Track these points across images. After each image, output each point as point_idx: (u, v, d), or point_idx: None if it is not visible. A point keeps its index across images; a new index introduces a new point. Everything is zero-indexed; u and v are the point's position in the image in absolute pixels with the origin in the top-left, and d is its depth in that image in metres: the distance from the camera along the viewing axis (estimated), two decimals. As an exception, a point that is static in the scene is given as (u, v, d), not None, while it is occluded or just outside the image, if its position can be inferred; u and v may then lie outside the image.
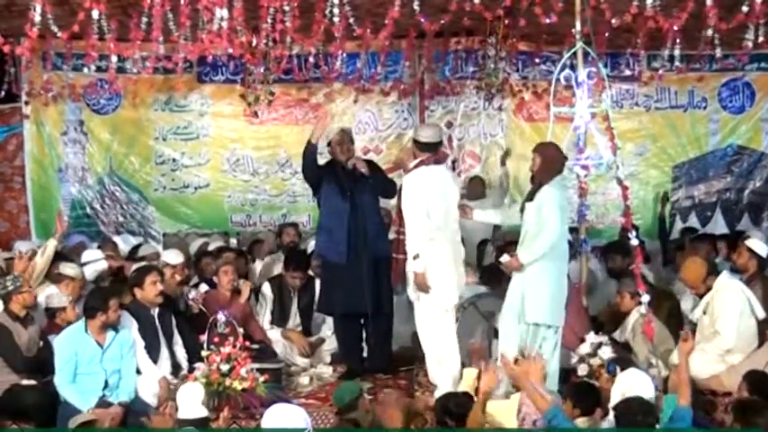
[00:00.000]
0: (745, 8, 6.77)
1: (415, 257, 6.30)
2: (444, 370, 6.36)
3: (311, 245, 8.22)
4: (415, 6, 6.40)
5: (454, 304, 6.47)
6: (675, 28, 6.79)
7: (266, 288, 7.61)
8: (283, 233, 8.78)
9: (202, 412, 5.10)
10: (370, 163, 7.24)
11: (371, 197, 7.04)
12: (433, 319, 6.40)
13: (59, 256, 7.24)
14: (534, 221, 6.00)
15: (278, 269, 7.91)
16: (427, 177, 6.41)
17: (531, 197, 6.10)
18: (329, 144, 7.13)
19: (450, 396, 5.27)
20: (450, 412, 4.99)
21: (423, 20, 6.59)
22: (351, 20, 6.73)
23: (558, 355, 6.10)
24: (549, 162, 6.11)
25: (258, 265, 8.58)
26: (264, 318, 7.51)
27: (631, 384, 5.10)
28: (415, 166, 6.50)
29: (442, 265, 6.35)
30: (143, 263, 6.95)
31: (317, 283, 7.59)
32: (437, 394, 6.04)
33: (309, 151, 7.02)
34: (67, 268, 6.88)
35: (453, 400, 5.13)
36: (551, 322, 6.04)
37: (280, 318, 7.56)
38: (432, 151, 6.51)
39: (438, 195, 6.38)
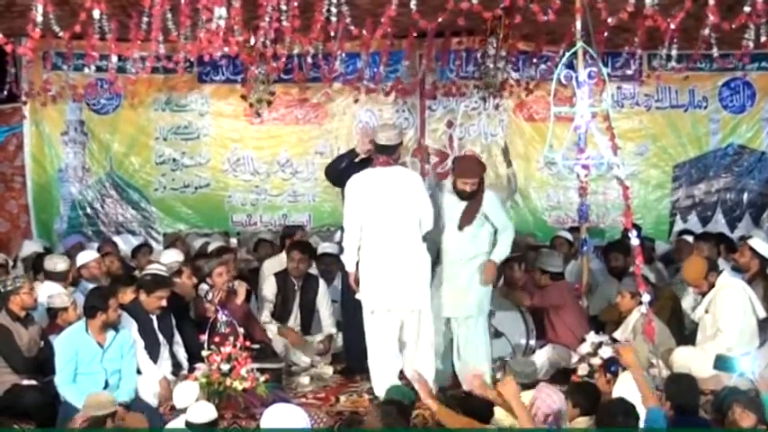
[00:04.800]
0: (747, 8, 6.76)
1: (340, 253, 6.43)
2: (375, 374, 6.33)
3: (323, 246, 8.24)
4: (413, 6, 6.38)
5: (385, 308, 6.29)
6: (672, 27, 6.77)
7: (268, 289, 7.58)
8: (294, 236, 8.68)
9: (212, 414, 5.08)
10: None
11: None
12: (366, 320, 6.37)
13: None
14: None
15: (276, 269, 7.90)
16: (369, 180, 6.32)
17: None
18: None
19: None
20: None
21: (419, 19, 6.57)
22: (349, 20, 6.72)
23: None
24: None
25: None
26: (263, 316, 7.47)
27: (632, 384, 5.10)
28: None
29: (372, 266, 6.27)
30: (158, 269, 6.79)
31: (321, 282, 7.60)
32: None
33: (349, 158, 6.98)
34: (59, 264, 6.94)
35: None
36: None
37: (282, 314, 7.55)
38: (388, 153, 6.34)
39: (377, 198, 6.25)
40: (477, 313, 6.49)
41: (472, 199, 6.40)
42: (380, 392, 6.11)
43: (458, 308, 6.48)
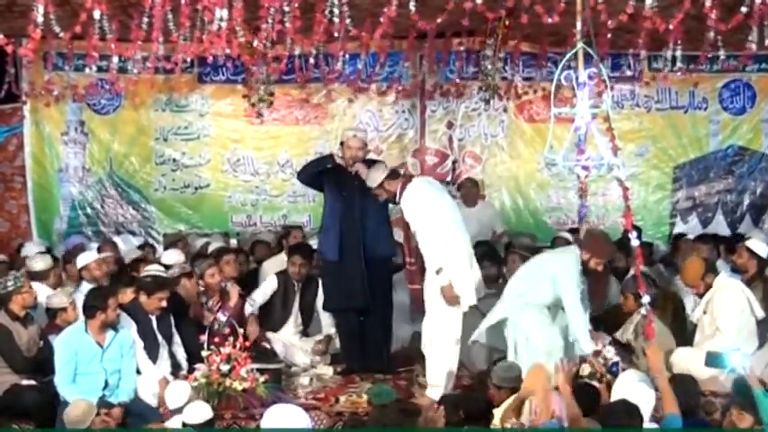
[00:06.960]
0: (744, 8, 6.75)
1: (437, 272, 6.23)
2: (445, 369, 6.37)
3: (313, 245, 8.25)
4: (411, 6, 6.39)
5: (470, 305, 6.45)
6: (671, 28, 6.76)
7: (267, 286, 7.56)
8: (290, 236, 8.70)
9: (208, 414, 5.09)
10: (376, 165, 7.30)
11: (372, 199, 7.06)
12: (448, 320, 6.36)
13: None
14: None
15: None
16: (425, 185, 6.55)
17: None
18: (342, 144, 7.25)
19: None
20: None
21: (418, 20, 6.58)
22: (350, 20, 6.72)
23: None
24: None
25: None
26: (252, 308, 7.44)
27: (630, 385, 5.10)
28: (407, 180, 6.60)
29: (460, 268, 6.33)
30: (158, 269, 6.76)
31: (320, 283, 7.60)
32: (430, 393, 6.24)
33: (325, 163, 7.25)
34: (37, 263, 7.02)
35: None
36: None
37: (282, 316, 7.56)
38: None
39: (439, 198, 6.48)
40: None
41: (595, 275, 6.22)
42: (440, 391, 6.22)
43: None
